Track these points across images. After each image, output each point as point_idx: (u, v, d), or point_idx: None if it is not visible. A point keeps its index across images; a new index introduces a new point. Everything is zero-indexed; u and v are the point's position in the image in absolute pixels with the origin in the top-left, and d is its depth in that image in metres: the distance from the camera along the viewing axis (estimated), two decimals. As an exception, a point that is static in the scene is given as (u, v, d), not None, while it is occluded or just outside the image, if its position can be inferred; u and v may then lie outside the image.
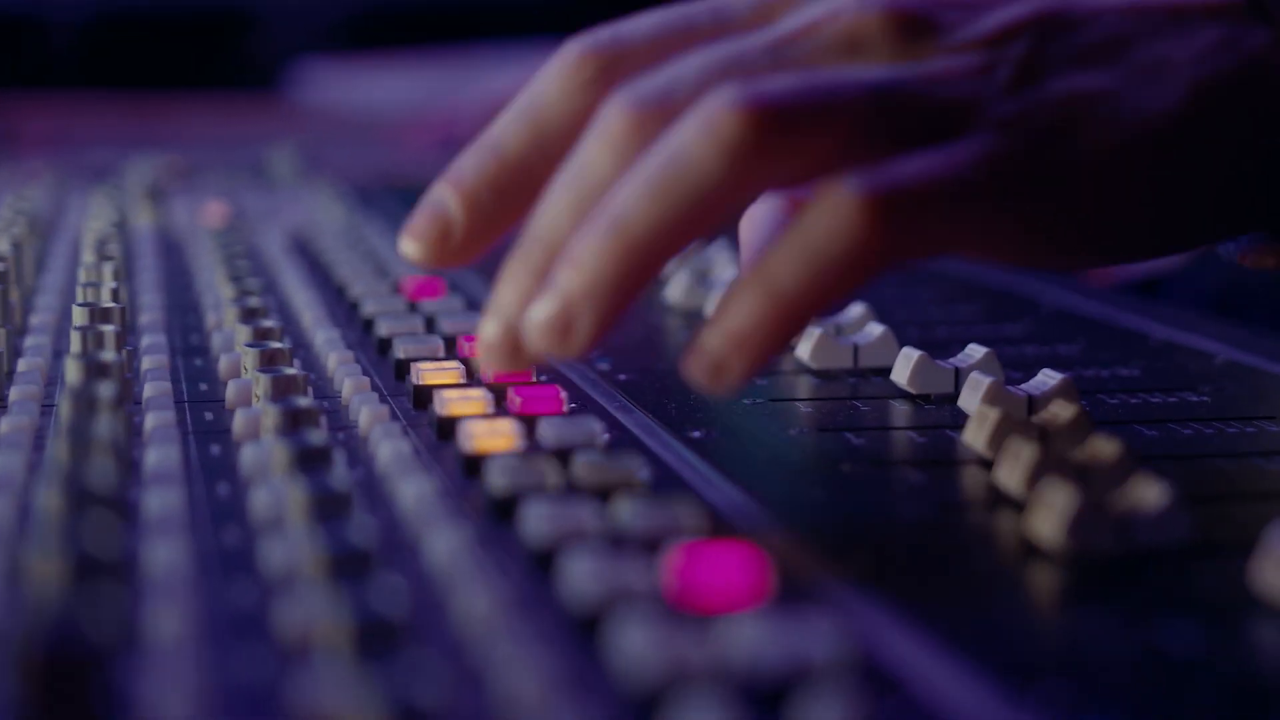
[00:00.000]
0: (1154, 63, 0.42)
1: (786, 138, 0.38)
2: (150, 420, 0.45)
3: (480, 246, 0.42)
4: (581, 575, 0.33)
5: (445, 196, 0.42)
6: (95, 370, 0.42)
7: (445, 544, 0.36)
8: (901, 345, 0.54)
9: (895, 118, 0.39)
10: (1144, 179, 0.42)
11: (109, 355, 0.42)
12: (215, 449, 0.45)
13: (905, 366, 0.53)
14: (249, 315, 0.55)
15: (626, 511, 0.37)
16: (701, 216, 0.38)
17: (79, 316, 0.49)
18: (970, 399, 0.49)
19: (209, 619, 0.33)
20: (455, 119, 1.15)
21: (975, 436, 0.46)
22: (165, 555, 0.34)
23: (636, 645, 0.30)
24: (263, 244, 0.79)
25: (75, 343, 0.46)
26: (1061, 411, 0.46)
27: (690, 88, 0.40)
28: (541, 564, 0.36)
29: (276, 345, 0.49)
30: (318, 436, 0.40)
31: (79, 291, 0.53)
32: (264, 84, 1.50)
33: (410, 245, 0.42)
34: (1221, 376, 0.56)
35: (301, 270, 0.72)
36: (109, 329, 0.46)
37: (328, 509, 0.36)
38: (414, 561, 0.37)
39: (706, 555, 0.34)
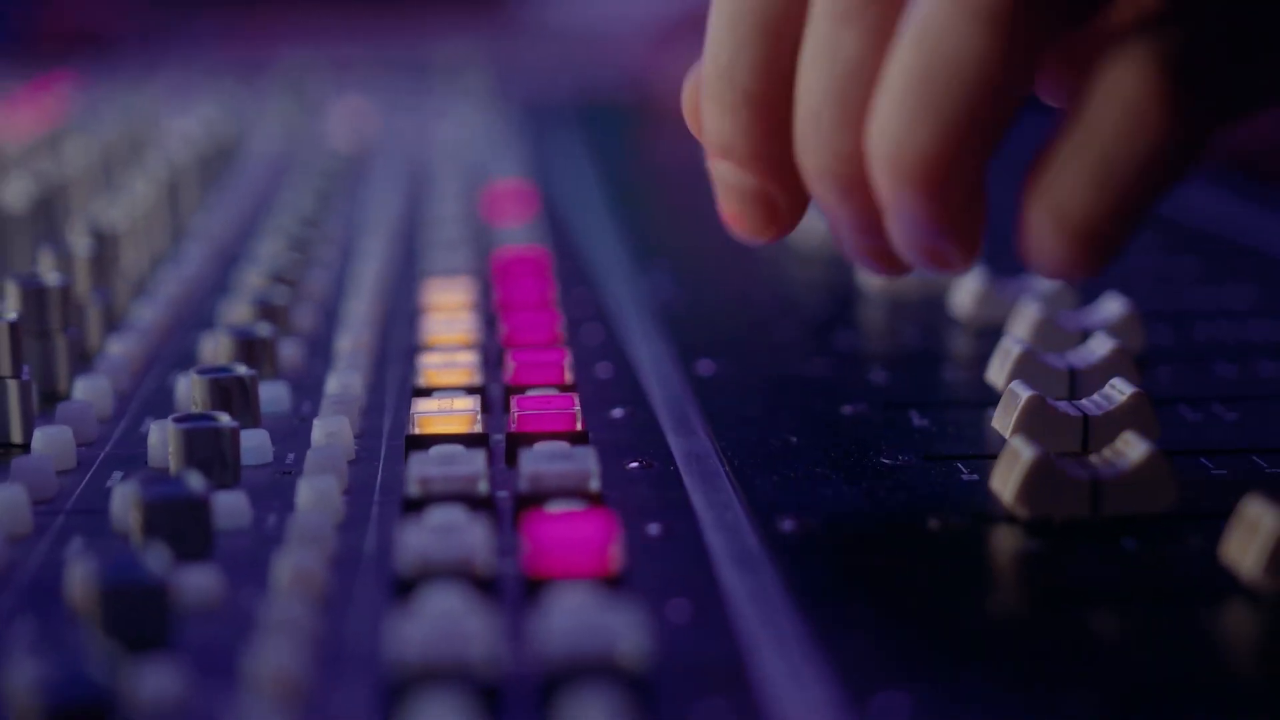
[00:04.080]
0: None
1: None
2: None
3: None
4: (414, 534, 0.29)
5: (728, 172, 0.33)
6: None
7: (310, 491, 0.33)
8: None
9: None
10: None
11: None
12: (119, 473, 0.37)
13: (965, 294, 0.48)
14: (293, 260, 0.50)
15: (527, 465, 0.33)
16: (984, 128, 0.29)
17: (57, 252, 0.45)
18: (1017, 332, 0.44)
19: None
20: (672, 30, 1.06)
21: (998, 375, 0.40)
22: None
23: (422, 618, 0.26)
24: (385, 165, 0.73)
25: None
26: (1098, 347, 0.40)
27: None
28: (406, 518, 0.32)
29: (264, 322, 0.42)
30: (193, 483, 0.31)
31: (81, 221, 0.49)
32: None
33: (745, 234, 0.34)
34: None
35: (405, 202, 0.65)
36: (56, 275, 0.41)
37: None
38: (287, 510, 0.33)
39: (555, 521, 0.30)
